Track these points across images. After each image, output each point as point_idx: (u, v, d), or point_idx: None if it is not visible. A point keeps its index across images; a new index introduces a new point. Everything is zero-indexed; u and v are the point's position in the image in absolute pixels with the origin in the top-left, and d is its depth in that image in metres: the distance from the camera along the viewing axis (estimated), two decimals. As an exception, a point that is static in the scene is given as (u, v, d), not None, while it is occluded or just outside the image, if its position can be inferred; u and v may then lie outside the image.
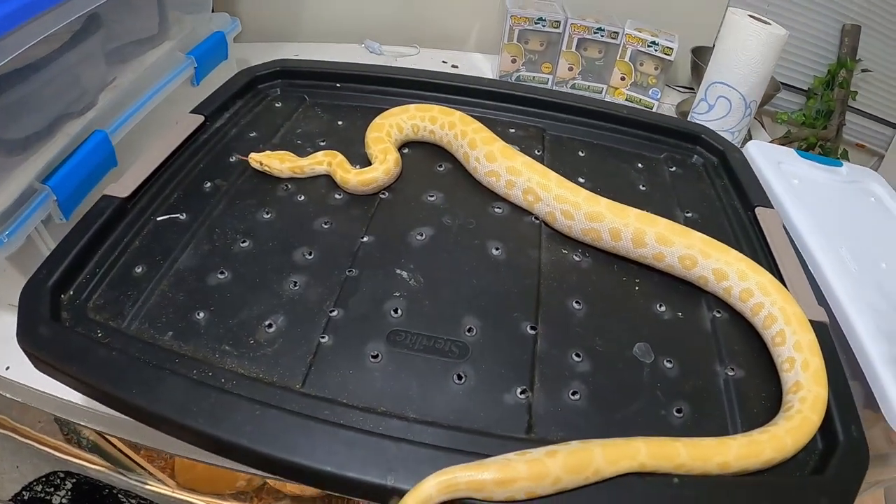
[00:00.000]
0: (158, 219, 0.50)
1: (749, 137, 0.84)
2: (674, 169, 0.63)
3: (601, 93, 0.93)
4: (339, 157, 0.55)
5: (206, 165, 0.56)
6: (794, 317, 0.46)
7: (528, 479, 0.33)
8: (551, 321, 0.46)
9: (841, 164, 0.69)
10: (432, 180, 0.58)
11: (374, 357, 0.42)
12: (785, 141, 0.89)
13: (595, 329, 0.46)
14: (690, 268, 0.49)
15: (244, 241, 0.49)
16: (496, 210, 0.55)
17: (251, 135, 0.61)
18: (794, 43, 0.94)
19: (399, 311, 0.46)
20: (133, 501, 0.58)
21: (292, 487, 0.57)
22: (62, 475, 0.57)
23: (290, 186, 0.55)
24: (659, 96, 0.89)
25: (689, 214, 0.57)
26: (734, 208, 0.59)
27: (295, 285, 0.46)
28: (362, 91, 0.69)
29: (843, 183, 0.67)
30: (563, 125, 0.66)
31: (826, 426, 0.41)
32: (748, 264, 0.49)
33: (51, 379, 0.39)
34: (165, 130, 0.57)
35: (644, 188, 0.60)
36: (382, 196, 0.55)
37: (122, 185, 0.50)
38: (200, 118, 0.59)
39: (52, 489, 0.57)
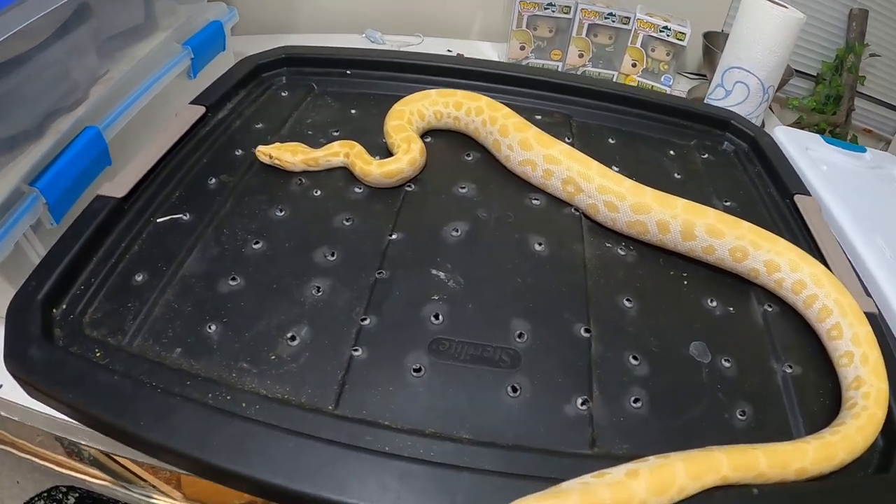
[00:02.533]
0: (159, 220, 0.43)
1: (762, 124, 0.79)
2: (706, 156, 0.58)
3: (612, 80, 0.87)
4: (358, 148, 0.49)
5: (210, 160, 0.49)
6: (849, 308, 0.41)
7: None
8: (603, 321, 0.41)
9: (864, 150, 0.64)
10: (461, 170, 0.51)
11: (417, 370, 0.36)
12: (796, 127, 0.84)
13: (649, 328, 0.41)
14: (741, 260, 0.44)
15: (257, 243, 0.42)
16: (534, 202, 0.49)
17: (257, 126, 0.54)
18: (802, 27, 0.88)
19: (440, 317, 0.40)
20: None
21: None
22: (64, 490, 0.53)
23: (303, 181, 0.48)
24: (671, 83, 0.83)
25: (728, 203, 0.52)
26: (770, 196, 0.54)
27: (318, 290, 0.40)
28: (373, 78, 0.62)
29: (868, 169, 0.63)
30: (588, 111, 0.60)
31: (887, 423, 0.37)
32: (799, 255, 0.44)
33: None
34: (164, 124, 0.50)
35: (679, 176, 0.54)
36: (409, 189, 0.49)
37: (117, 184, 0.43)
38: (202, 109, 0.52)
39: None
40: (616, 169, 0.53)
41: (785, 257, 0.44)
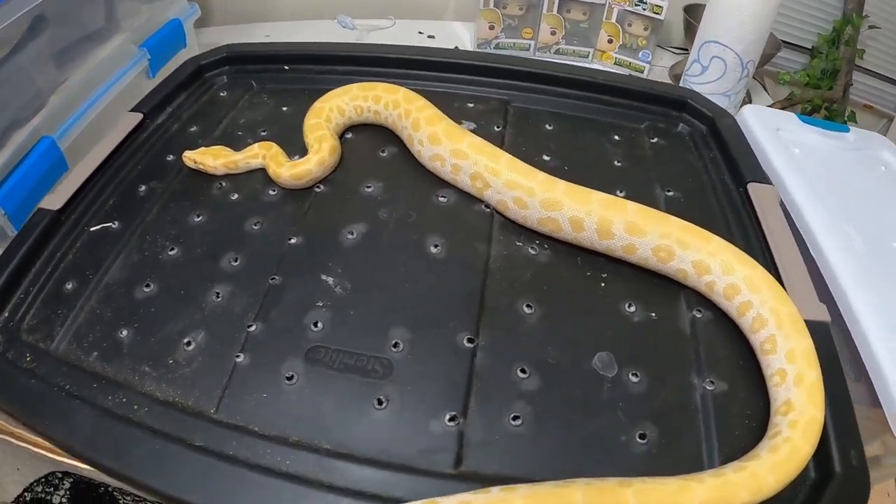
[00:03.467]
0: (92, 229, 0.43)
1: (749, 101, 0.71)
2: (655, 140, 0.51)
3: (587, 57, 0.79)
4: (275, 149, 0.46)
5: (144, 167, 0.48)
6: (788, 319, 0.35)
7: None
8: (496, 329, 0.37)
9: (847, 130, 0.55)
10: (373, 168, 0.47)
11: (289, 378, 0.34)
12: (788, 103, 0.74)
13: (549, 337, 0.36)
14: (667, 260, 0.38)
15: (172, 249, 0.41)
16: (440, 199, 0.44)
17: (192, 130, 0.52)
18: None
19: (320, 324, 0.37)
20: (128, 499, 0.54)
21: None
22: (60, 475, 0.54)
23: (224, 184, 0.46)
24: (650, 59, 0.75)
25: (671, 193, 0.46)
26: (724, 184, 0.47)
27: (218, 296, 0.38)
28: (311, 73, 0.58)
29: (850, 151, 0.54)
30: (531, 96, 0.54)
31: (821, 452, 0.31)
32: (734, 255, 0.37)
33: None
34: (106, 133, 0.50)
35: (620, 164, 0.48)
36: (318, 190, 0.46)
37: (56, 195, 0.43)
38: (139, 116, 0.51)
39: (51, 489, 0.53)
40: (547, 158, 0.48)
41: (717, 258, 0.37)
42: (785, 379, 0.34)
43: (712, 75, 0.64)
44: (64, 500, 0.53)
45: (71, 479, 0.53)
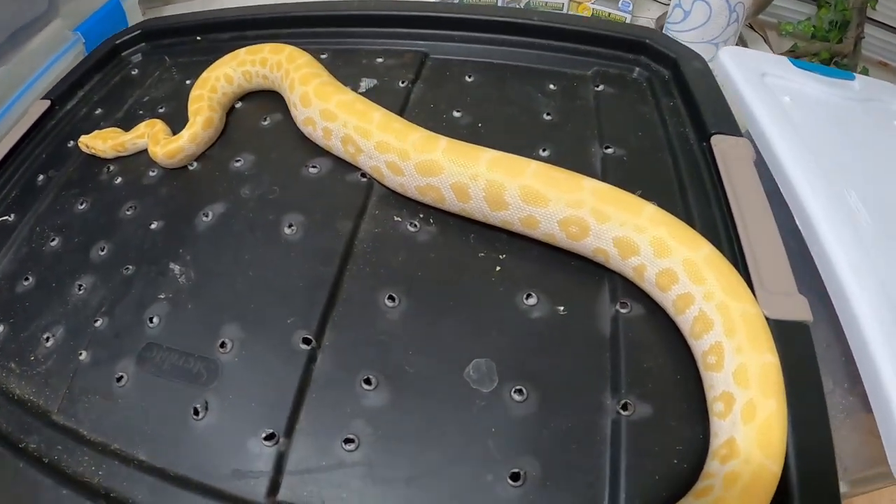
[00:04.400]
0: None
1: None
2: (601, 88, 0.39)
3: (561, 8, 0.67)
4: (157, 127, 0.40)
5: (47, 156, 0.44)
6: (742, 321, 0.25)
7: None
8: (346, 328, 0.28)
9: (853, 77, 0.42)
10: (250, 140, 0.39)
11: (119, 380, 0.29)
12: (791, 56, 0.60)
13: (412, 338, 0.27)
14: (579, 237, 0.28)
15: (54, 240, 0.37)
16: (311, 170, 0.35)
17: (97, 112, 0.47)
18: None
19: (156, 319, 0.30)
20: None
21: None
22: None
23: (111, 168, 0.41)
24: (630, 8, 0.62)
25: (611, 150, 0.35)
26: (683, 138, 0.35)
27: (80, 289, 0.33)
28: (222, 41, 0.51)
29: (856, 101, 0.41)
30: (456, 45, 0.44)
31: None
32: (672, 229, 0.27)
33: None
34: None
35: (550, 117, 0.37)
36: (191, 168, 0.38)
37: None
38: (46, 104, 0.47)
39: None
40: (458, 114, 0.38)
41: (648, 234, 0.27)
42: (731, 408, 0.23)
43: (696, 21, 0.51)
44: None
45: None
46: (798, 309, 0.27)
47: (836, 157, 0.35)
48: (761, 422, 0.22)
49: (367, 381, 0.26)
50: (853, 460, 0.30)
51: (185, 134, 0.38)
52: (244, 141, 0.39)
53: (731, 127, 0.34)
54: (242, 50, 0.42)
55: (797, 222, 0.33)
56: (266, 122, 0.40)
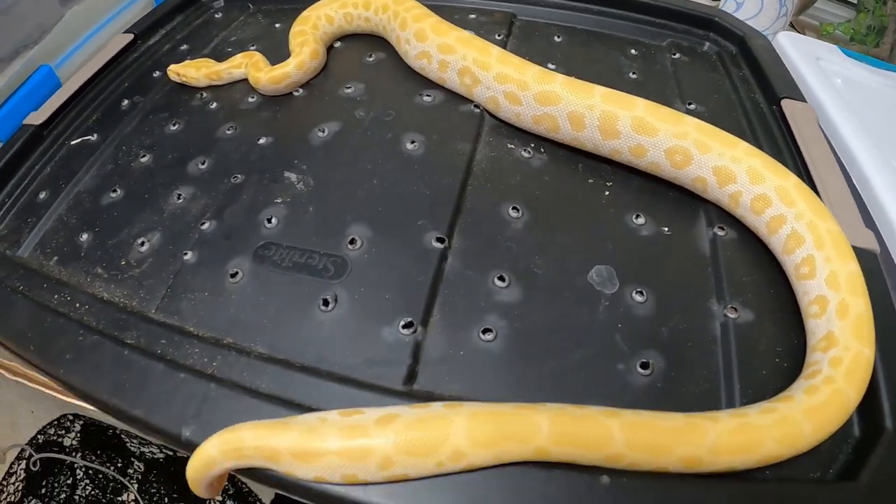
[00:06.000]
0: (72, 143, 0.41)
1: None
2: (677, 56, 0.44)
3: None
4: (257, 57, 0.42)
5: (131, 84, 0.46)
6: (829, 237, 0.28)
7: (340, 456, 0.18)
8: (473, 232, 0.30)
9: None
10: (357, 72, 0.42)
11: (233, 276, 0.30)
12: None
13: (537, 245, 0.30)
14: (682, 166, 0.32)
15: (144, 157, 0.38)
16: (425, 98, 0.38)
17: (181, 48, 0.49)
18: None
19: (275, 220, 0.32)
20: (135, 441, 0.55)
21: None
22: (71, 417, 0.55)
23: (205, 95, 0.43)
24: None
25: (692, 106, 0.39)
26: (754, 102, 0.40)
27: (179, 198, 0.35)
28: None
29: None
30: (540, 9, 0.48)
31: (868, 402, 0.25)
32: (764, 161, 0.31)
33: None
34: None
35: (634, 76, 0.41)
36: (296, 94, 0.40)
37: (40, 112, 0.42)
38: (129, 37, 0.48)
39: (63, 431, 0.55)
40: (552, 67, 0.41)
41: (744, 164, 0.31)
42: (825, 308, 0.27)
43: (748, 12, 0.57)
44: (75, 441, 0.54)
45: (81, 422, 0.55)
46: (867, 239, 0.31)
47: (884, 132, 0.40)
48: (854, 317, 0.26)
49: (501, 279, 0.28)
50: None
51: (293, 61, 0.39)
52: (350, 73, 0.41)
53: (797, 94, 0.39)
54: None
55: (853, 180, 0.38)
56: (371, 59, 0.42)
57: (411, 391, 0.25)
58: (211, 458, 0.19)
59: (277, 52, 0.43)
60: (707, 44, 0.45)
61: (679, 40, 0.45)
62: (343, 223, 0.31)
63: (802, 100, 0.39)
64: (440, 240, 0.29)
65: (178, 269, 0.31)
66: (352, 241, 0.30)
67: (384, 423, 0.19)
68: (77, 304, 0.30)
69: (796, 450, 0.23)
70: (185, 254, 0.31)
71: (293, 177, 0.34)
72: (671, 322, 0.28)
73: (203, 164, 0.36)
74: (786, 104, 0.38)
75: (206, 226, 0.32)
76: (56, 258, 0.33)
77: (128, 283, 0.31)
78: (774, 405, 0.24)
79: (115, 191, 0.36)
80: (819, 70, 0.44)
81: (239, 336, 0.27)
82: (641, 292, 0.28)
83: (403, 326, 0.26)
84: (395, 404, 0.23)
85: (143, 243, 0.32)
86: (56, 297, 0.30)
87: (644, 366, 0.26)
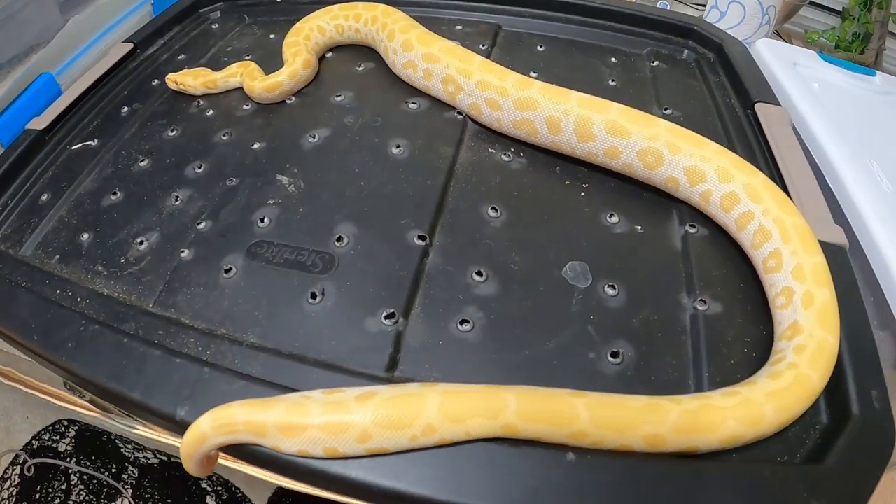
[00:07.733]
0: (73, 147, 0.43)
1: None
2: (656, 64, 0.46)
3: None
4: (252, 66, 0.45)
5: (130, 92, 0.48)
6: (795, 230, 0.30)
7: (322, 430, 0.19)
8: (453, 231, 0.32)
9: (874, 73, 0.50)
10: (347, 81, 0.44)
11: (227, 272, 0.32)
12: None
13: (514, 242, 0.32)
14: (654, 166, 0.34)
15: (143, 161, 0.40)
16: (411, 105, 0.41)
17: (180, 58, 0.52)
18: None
19: (267, 220, 0.34)
20: (129, 447, 0.56)
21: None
22: (66, 423, 0.57)
23: (202, 103, 0.45)
24: (668, 7, 0.71)
25: (669, 111, 0.41)
26: (730, 107, 0.42)
27: (177, 200, 0.37)
28: (302, 3, 0.56)
29: (876, 94, 0.49)
30: (525, 20, 0.50)
31: (834, 390, 0.26)
32: (733, 161, 0.33)
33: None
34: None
35: (614, 83, 0.44)
36: (289, 101, 0.43)
37: (43, 118, 0.44)
38: (129, 46, 0.52)
39: (58, 436, 0.57)
40: (534, 75, 0.44)
41: (712, 163, 0.33)
42: (791, 299, 0.29)
43: (731, 21, 0.59)
44: (69, 447, 0.55)
45: (76, 427, 0.56)
46: (835, 234, 0.33)
47: (859, 134, 0.42)
48: (819, 306, 0.28)
49: (479, 274, 0.30)
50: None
51: (286, 70, 0.42)
52: (340, 82, 0.44)
53: (771, 97, 0.41)
54: (335, 6, 0.47)
55: (827, 180, 0.40)
56: (360, 68, 0.45)
57: (393, 378, 0.26)
58: (203, 433, 0.21)
59: (271, 61, 0.45)
60: (686, 52, 0.48)
61: (659, 48, 0.48)
62: (331, 222, 0.33)
63: (777, 103, 0.41)
64: (422, 237, 0.31)
65: (175, 266, 0.33)
66: (339, 239, 0.32)
67: (363, 400, 0.21)
68: (78, 299, 0.32)
69: (758, 431, 0.24)
70: (182, 251, 0.33)
71: (285, 179, 0.36)
72: (642, 314, 0.30)
73: (200, 167, 0.39)
74: (760, 108, 0.40)
75: (202, 225, 0.35)
76: (57, 256, 0.35)
77: (127, 279, 0.33)
78: (737, 389, 0.25)
79: (115, 193, 0.38)
80: (796, 75, 0.46)
81: (232, 327, 0.29)
82: (613, 286, 0.30)
83: (386, 317, 0.28)
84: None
85: (141, 242, 0.34)
86: (58, 292, 0.32)
87: (614, 355, 0.28)
